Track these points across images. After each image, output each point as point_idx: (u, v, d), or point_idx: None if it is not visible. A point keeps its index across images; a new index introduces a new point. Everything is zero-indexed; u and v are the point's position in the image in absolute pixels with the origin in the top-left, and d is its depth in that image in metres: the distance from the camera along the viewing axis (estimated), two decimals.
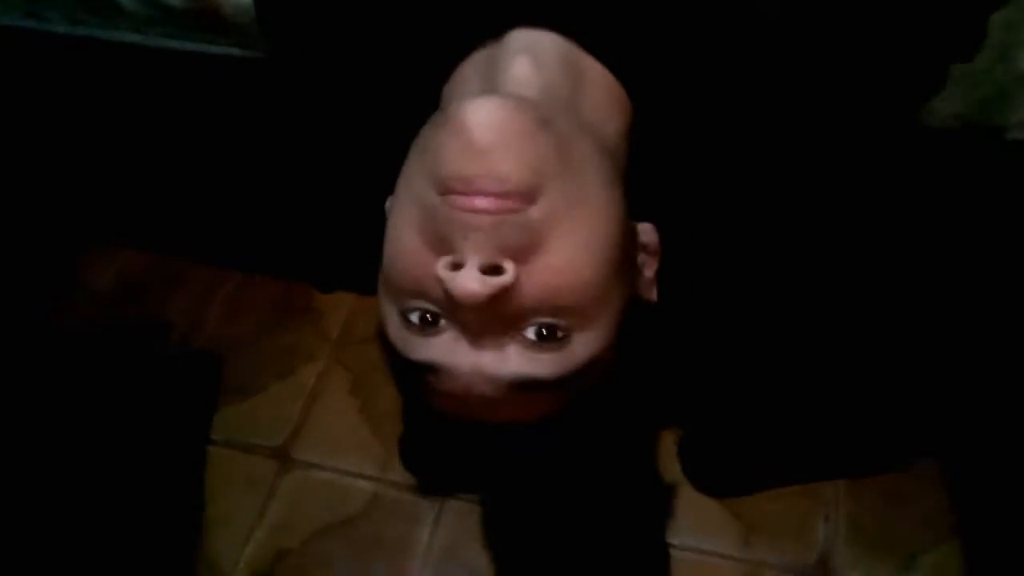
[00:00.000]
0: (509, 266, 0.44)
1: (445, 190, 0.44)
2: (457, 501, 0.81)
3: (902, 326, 0.70)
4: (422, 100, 0.55)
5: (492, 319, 0.45)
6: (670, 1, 0.52)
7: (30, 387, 0.88)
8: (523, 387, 0.46)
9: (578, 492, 0.76)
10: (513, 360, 0.46)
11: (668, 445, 0.80)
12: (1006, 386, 0.73)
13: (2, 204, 0.98)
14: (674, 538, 0.77)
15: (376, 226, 0.77)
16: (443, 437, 0.68)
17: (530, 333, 0.45)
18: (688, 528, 0.77)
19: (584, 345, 0.47)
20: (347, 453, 0.86)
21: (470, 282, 0.43)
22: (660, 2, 0.52)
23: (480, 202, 0.44)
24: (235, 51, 0.76)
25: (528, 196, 0.44)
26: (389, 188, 0.66)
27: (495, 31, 0.53)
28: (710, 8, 0.52)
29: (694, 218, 0.56)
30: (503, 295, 0.44)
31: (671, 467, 0.79)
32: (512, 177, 0.44)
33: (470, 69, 0.55)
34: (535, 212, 0.44)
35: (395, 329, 0.49)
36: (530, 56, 0.51)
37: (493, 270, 0.44)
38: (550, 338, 0.46)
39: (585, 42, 0.53)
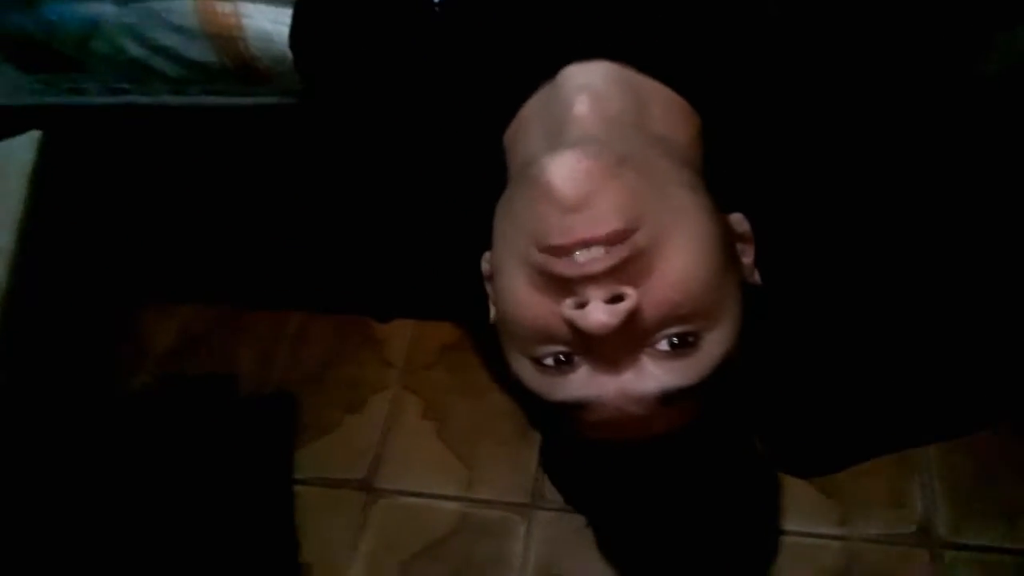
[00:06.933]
0: (630, 291, 0.46)
1: (553, 252, 0.46)
2: (544, 512, 0.82)
3: (976, 285, 0.69)
4: (481, 145, 0.56)
5: (624, 343, 0.47)
6: (715, 12, 0.52)
7: (110, 453, 0.90)
8: (669, 399, 0.48)
9: (670, 489, 0.76)
10: (654, 375, 0.48)
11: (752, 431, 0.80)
12: None
13: (58, 274, 1.00)
14: (772, 524, 0.77)
15: (429, 253, 0.78)
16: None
17: (663, 345, 0.48)
18: (784, 512, 0.77)
19: (716, 344, 0.49)
20: (430, 476, 0.87)
21: (600, 315, 0.45)
22: (706, 15, 0.53)
23: (587, 259, 0.46)
24: (272, 100, 0.77)
25: (631, 230, 0.46)
26: (442, 216, 0.66)
27: (548, 71, 0.53)
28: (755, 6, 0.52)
29: (771, 203, 0.56)
30: (630, 319, 0.46)
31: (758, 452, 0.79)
32: (613, 218, 0.46)
33: (529, 112, 0.55)
34: (641, 239, 0.46)
35: (531, 377, 0.51)
36: (588, 92, 0.52)
37: (615, 298, 0.46)
38: (682, 344, 0.48)
39: (639, 65, 0.53)
